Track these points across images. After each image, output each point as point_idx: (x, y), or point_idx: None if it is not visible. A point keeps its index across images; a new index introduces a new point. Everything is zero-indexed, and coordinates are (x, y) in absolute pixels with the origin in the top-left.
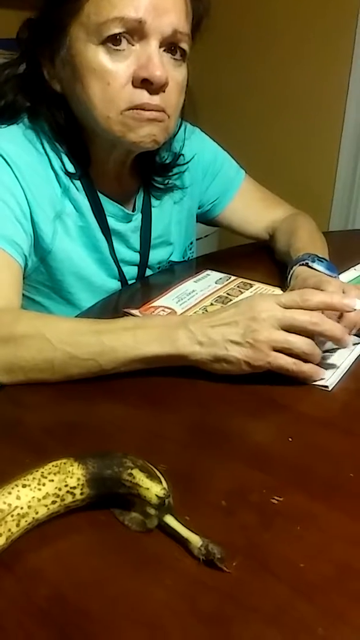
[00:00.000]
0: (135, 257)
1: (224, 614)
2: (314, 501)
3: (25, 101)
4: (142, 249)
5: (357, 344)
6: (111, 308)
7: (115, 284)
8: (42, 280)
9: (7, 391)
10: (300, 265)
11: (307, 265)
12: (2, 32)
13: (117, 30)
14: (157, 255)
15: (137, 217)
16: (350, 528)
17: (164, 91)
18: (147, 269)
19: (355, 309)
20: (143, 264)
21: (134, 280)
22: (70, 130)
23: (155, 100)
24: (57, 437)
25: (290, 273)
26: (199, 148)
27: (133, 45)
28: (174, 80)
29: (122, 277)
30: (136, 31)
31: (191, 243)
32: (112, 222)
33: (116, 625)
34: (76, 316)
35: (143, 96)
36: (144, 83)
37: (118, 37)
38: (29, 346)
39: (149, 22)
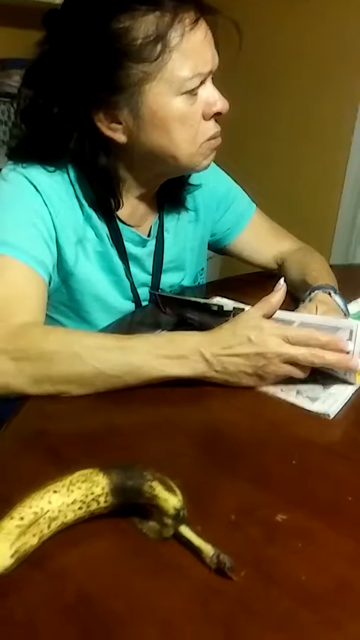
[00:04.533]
0: (149, 279)
1: (232, 618)
2: (314, 520)
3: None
4: (155, 272)
5: None
6: (125, 327)
7: (130, 305)
8: (62, 300)
9: (32, 402)
10: (323, 291)
11: (329, 294)
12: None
13: (197, 83)
14: (169, 279)
15: (152, 242)
16: (349, 548)
17: None
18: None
19: (348, 351)
20: (155, 287)
21: (146, 302)
22: (107, 170)
23: (218, 127)
24: (78, 448)
25: (310, 295)
26: (214, 180)
27: None
28: None
29: (136, 299)
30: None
31: (202, 269)
32: (129, 247)
33: (135, 623)
34: None
35: (213, 127)
36: (214, 116)
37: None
38: (60, 361)
39: (213, 69)
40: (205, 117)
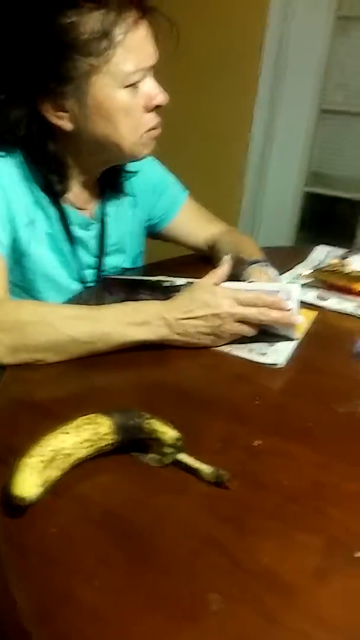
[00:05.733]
0: (94, 261)
1: (236, 515)
2: (284, 442)
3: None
4: (99, 254)
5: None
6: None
7: (78, 285)
8: (15, 280)
9: (12, 372)
10: (259, 265)
11: (263, 267)
12: None
13: (140, 77)
14: (112, 261)
15: (96, 226)
16: (316, 458)
17: None
18: (103, 273)
19: (289, 309)
20: (99, 268)
21: (92, 283)
22: (55, 156)
23: (159, 118)
24: (67, 405)
25: (247, 269)
26: (149, 168)
27: None
28: None
29: (83, 280)
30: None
31: (140, 252)
32: (75, 230)
33: (158, 528)
34: None
35: (154, 118)
36: (155, 108)
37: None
38: (36, 330)
39: (154, 63)
40: (147, 109)
